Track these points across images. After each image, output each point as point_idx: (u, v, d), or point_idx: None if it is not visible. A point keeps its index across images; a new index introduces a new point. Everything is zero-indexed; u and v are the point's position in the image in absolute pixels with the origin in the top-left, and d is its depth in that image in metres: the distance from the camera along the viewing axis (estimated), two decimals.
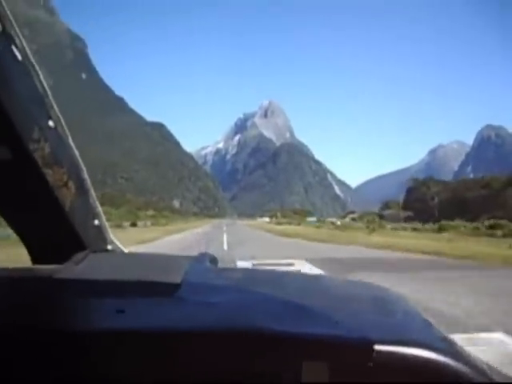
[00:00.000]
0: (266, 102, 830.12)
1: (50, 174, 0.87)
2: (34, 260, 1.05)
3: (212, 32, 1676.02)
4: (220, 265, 1.09)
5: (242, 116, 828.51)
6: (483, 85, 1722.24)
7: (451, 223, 52.88)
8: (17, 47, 0.75)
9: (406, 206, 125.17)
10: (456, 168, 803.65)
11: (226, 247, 22.07)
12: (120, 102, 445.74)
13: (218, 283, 0.88)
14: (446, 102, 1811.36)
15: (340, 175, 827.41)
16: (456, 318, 6.92)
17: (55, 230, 0.99)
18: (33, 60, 0.80)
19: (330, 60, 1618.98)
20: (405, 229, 53.36)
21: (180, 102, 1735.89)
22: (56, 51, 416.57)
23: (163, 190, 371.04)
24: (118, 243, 1.19)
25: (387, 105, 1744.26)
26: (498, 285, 10.60)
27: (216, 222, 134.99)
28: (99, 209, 1.10)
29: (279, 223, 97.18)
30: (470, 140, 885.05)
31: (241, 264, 12.71)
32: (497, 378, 0.67)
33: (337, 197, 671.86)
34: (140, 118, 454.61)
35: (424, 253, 19.35)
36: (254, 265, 12.68)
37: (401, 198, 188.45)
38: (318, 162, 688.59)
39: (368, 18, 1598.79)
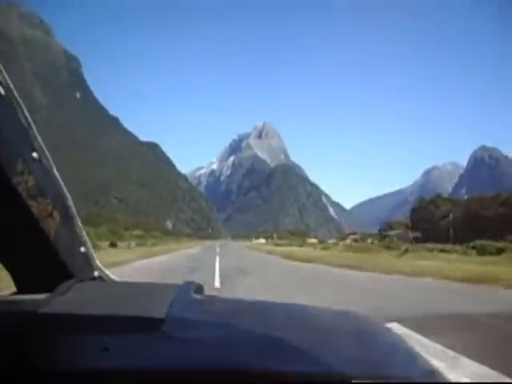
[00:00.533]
0: (260, 124, 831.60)
1: (35, 206, 0.86)
2: (19, 288, 1.03)
3: (206, 53, 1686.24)
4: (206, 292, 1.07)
5: (236, 137, 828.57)
6: (477, 106, 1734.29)
7: (484, 243, 44.46)
8: (0, 83, 0.76)
9: (411, 226, 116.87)
10: (450, 189, 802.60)
11: (217, 282, 13.33)
12: (114, 121, 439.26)
13: (203, 317, 0.86)
14: (441, 124, 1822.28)
15: (334, 197, 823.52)
16: None
17: (41, 259, 0.98)
18: (16, 94, 0.80)
19: (325, 82, 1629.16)
20: (430, 250, 44.87)
21: (174, 123, 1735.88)
22: (51, 70, 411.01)
23: (157, 211, 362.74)
24: (104, 270, 1.18)
25: (381, 126, 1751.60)
26: None
27: (209, 243, 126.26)
28: (85, 236, 1.08)
29: (278, 244, 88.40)
30: (464, 161, 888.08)
31: None
32: None
33: (331, 218, 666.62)
34: (134, 137, 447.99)
35: None
36: None
37: (396, 219, 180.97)
38: (312, 184, 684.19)
39: (360, 38, 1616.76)
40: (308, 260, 26.66)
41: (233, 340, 0.77)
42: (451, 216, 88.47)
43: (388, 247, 54.00)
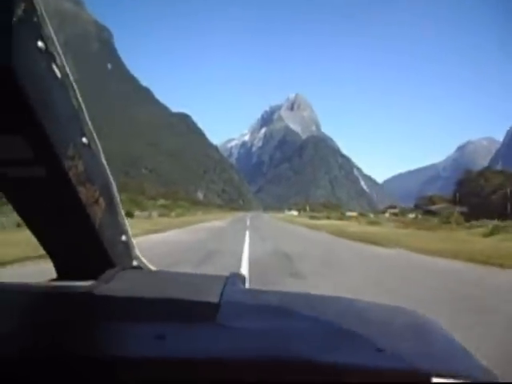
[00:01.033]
0: (292, 95, 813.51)
1: (83, 192, 0.86)
2: (60, 275, 1.04)
3: (239, 24, 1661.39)
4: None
5: (268, 109, 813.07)
6: None
7: None
8: (57, 66, 0.76)
9: (454, 201, 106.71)
10: (485, 165, 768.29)
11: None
12: (145, 92, 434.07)
13: (256, 307, 0.86)
14: (477, 98, 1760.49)
15: (366, 170, 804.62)
16: None
17: (83, 246, 0.99)
18: (71, 77, 0.81)
19: (358, 53, 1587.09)
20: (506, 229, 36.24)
21: (206, 95, 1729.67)
22: (82, 42, 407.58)
23: (187, 182, 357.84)
24: (143, 260, 1.18)
25: (416, 100, 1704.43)
26: None
27: (239, 214, 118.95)
28: (127, 225, 1.09)
29: (313, 217, 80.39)
30: (500, 136, 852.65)
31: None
32: None
33: (363, 192, 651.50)
34: (165, 108, 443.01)
35: None
36: None
37: (428, 194, 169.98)
38: (344, 156, 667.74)
39: (399, 13, 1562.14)
40: (373, 241, 18.76)
41: (288, 331, 0.75)
42: (509, 190, 77.87)
43: (446, 222, 45.83)
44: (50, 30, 0.70)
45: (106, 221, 0.97)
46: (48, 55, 0.73)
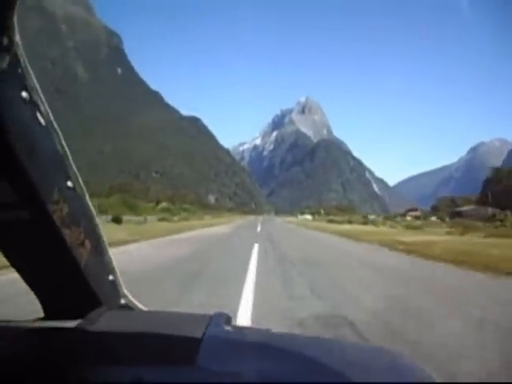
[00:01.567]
0: (303, 99, 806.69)
1: (68, 234, 0.87)
2: (47, 313, 1.03)
3: (250, 28, 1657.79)
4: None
5: (279, 113, 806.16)
6: None
7: None
8: (41, 114, 0.77)
9: (483, 201, 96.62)
10: (499, 165, 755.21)
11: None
12: (155, 96, 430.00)
13: (237, 348, 0.85)
14: (488, 98, 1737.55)
15: (378, 173, 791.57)
16: None
17: (70, 286, 0.98)
18: (55, 124, 0.82)
19: (368, 57, 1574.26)
20: None
21: (217, 100, 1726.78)
22: (92, 47, 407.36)
23: (198, 185, 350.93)
24: (131, 298, 1.17)
25: (427, 101, 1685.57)
26: None
27: (250, 218, 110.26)
28: (113, 264, 1.08)
29: (331, 221, 71.22)
30: None
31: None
32: None
33: (375, 195, 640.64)
34: (176, 112, 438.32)
35: None
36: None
37: (441, 196, 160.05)
38: (355, 159, 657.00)
39: (410, 15, 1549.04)
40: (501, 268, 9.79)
41: (272, 373, 0.74)
42: None
43: (501, 225, 36.84)
44: (34, 80, 0.72)
45: (92, 261, 0.97)
46: (32, 104, 0.74)
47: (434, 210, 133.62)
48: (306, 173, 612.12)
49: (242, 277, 8.36)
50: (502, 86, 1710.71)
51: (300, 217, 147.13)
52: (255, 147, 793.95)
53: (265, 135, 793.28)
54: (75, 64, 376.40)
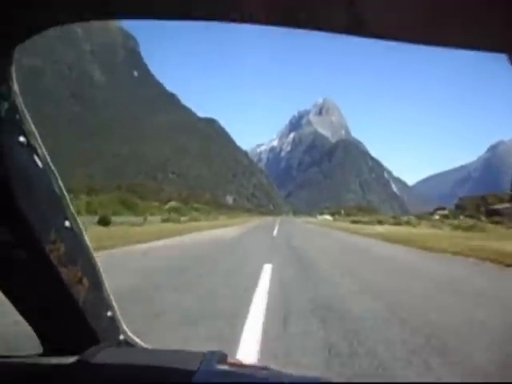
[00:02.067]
0: (320, 100, 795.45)
1: (65, 273, 0.87)
2: (45, 349, 1.03)
3: (265, 28, 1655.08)
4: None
5: (296, 114, 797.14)
6: None
7: None
8: (39, 156, 0.78)
9: None
10: None
11: None
12: (172, 98, 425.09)
13: None
14: (507, 97, 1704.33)
15: (396, 173, 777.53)
16: None
17: (69, 323, 0.99)
18: (52, 166, 0.83)
19: (385, 55, 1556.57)
20: None
21: (235, 101, 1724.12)
22: (109, 50, 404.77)
23: (216, 186, 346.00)
24: (130, 333, 1.17)
25: (445, 101, 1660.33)
26: None
27: (268, 219, 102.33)
28: (112, 300, 1.09)
29: (356, 222, 63.80)
30: None
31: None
32: None
33: (394, 195, 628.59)
34: (192, 113, 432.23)
35: None
36: None
37: (461, 195, 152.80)
38: (374, 159, 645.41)
39: None
40: None
41: None
42: None
43: None
44: (31, 125, 0.75)
45: (90, 298, 0.97)
46: (29, 148, 0.76)
47: (459, 208, 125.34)
48: (323, 174, 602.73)
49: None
50: None
51: (320, 217, 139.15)
52: (272, 149, 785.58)
53: (282, 136, 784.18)
54: (92, 68, 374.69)
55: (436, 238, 19.11)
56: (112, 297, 1.08)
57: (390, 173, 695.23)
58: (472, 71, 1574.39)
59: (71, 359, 0.92)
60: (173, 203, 72.08)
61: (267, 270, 8.71)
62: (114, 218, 29.69)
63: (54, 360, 0.95)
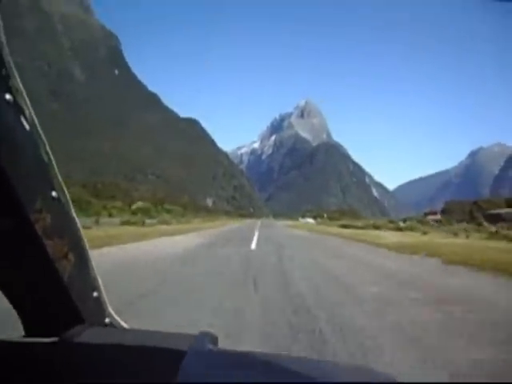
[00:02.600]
0: (302, 102, 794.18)
1: (51, 245, 0.82)
2: (27, 330, 0.97)
3: (249, 31, 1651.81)
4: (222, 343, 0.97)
5: (277, 117, 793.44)
6: None
7: None
8: (26, 118, 0.73)
9: None
10: (496, 171, 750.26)
11: None
12: (153, 97, 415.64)
13: (218, 371, 0.80)
14: (488, 104, 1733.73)
15: (377, 177, 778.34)
16: None
17: (52, 302, 0.93)
18: (40, 129, 0.77)
19: (368, 59, 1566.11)
20: None
21: (216, 103, 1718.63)
22: (89, 47, 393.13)
23: (196, 188, 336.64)
24: (116, 317, 1.11)
25: (427, 105, 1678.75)
26: None
27: (248, 221, 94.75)
28: (99, 281, 1.02)
29: (346, 226, 56.12)
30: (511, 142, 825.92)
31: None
32: None
33: (375, 199, 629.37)
34: (174, 114, 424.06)
35: None
36: None
37: (442, 200, 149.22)
38: (355, 163, 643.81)
39: (412, 18, 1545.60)
40: None
41: None
42: None
43: None
44: (19, 82, 0.69)
45: (76, 276, 0.92)
46: (16, 107, 0.71)
47: (446, 213, 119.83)
48: (304, 177, 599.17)
49: None
50: (501, 90, 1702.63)
51: (302, 220, 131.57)
52: (253, 151, 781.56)
53: (263, 139, 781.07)
54: (72, 65, 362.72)
55: (490, 252, 11.69)
56: (99, 277, 1.02)
57: (371, 177, 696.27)
58: (454, 77, 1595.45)
59: (50, 340, 0.89)
60: (140, 203, 63.67)
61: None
62: None
63: (35, 341, 0.91)
